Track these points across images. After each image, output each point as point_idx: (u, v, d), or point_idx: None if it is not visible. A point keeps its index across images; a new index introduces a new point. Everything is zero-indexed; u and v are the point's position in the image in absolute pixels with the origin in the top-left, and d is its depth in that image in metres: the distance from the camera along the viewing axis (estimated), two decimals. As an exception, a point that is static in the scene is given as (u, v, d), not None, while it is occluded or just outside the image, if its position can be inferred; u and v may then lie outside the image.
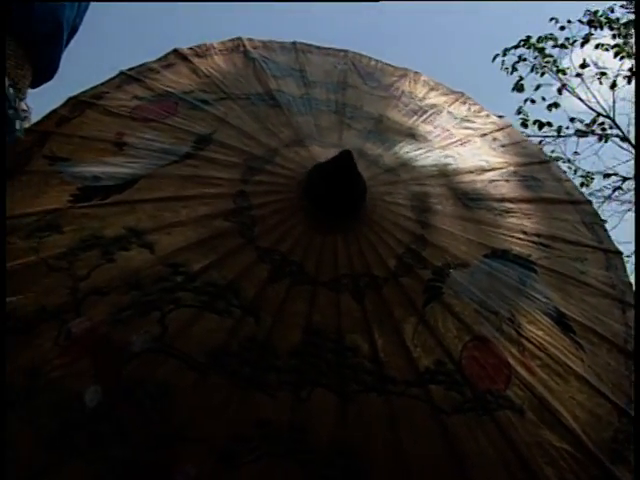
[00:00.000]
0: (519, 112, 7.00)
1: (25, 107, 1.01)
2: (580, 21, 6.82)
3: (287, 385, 0.69)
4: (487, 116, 1.07)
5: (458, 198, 0.86)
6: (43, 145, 0.93)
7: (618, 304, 0.89)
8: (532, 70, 6.96)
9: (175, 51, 1.08)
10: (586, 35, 6.86)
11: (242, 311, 0.71)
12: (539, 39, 6.71)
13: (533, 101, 6.99)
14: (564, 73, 7.04)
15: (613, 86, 7.11)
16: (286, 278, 0.72)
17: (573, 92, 7.11)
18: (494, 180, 0.93)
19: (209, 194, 0.79)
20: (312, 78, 1.00)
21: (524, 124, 7.02)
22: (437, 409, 0.71)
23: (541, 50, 6.83)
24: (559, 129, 7.06)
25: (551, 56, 6.87)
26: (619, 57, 6.38)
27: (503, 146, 1.01)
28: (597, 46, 6.96)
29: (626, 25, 6.70)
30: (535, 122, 7.05)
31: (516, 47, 6.66)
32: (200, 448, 0.67)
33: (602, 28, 6.82)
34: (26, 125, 1.00)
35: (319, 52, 1.12)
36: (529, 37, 6.72)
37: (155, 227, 0.77)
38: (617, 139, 7.14)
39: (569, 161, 7.50)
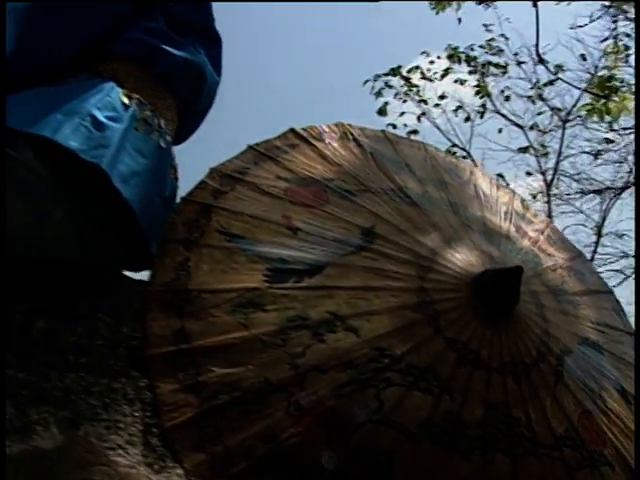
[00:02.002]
0: (382, 134, 7.51)
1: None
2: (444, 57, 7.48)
3: (477, 450, 0.91)
4: (535, 215, 1.35)
5: (551, 293, 1.12)
6: (210, 218, 1.05)
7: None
8: (395, 96, 7.54)
9: (292, 131, 1.23)
10: (446, 69, 7.56)
11: (440, 390, 0.91)
12: (409, 70, 7.29)
13: (394, 126, 7.57)
14: (425, 103, 7.69)
15: (467, 119, 7.89)
16: (469, 364, 0.94)
17: (433, 121, 7.76)
18: (563, 276, 1.20)
19: (394, 287, 0.97)
20: (418, 174, 1.21)
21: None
22: (569, 467, 0.96)
23: (407, 79, 7.41)
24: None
25: (416, 86, 7.48)
26: (479, 95, 7.12)
27: (555, 243, 1.29)
28: (456, 81, 7.69)
29: (484, 65, 7.47)
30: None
31: (386, 74, 7.19)
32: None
33: (461, 63, 7.55)
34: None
35: (404, 143, 1.33)
36: (399, 66, 7.28)
37: (354, 313, 0.95)
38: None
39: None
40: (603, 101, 4.40)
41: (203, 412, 0.87)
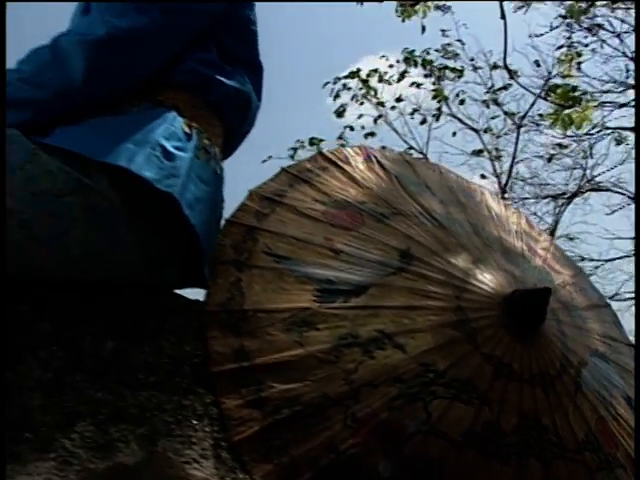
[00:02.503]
0: (340, 137, 7.66)
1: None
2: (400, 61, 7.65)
3: (514, 456, 1.00)
4: (540, 233, 1.46)
5: (565, 309, 1.22)
6: (256, 240, 1.12)
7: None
8: (352, 99, 7.68)
9: (321, 154, 1.30)
10: (402, 72, 7.73)
11: (479, 402, 1.00)
12: (368, 73, 7.44)
13: (352, 128, 7.70)
14: (383, 105, 7.84)
15: (423, 122, 8.07)
16: (503, 377, 1.03)
17: (390, 124, 7.92)
18: (571, 292, 1.31)
19: (433, 306, 1.06)
20: (439, 195, 1.30)
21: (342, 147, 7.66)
22: (590, 469, 1.07)
23: (365, 82, 7.55)
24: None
25: (375, 89, 7.63)
26: (437, 99, 7.30)
27: (559, 260, 1.40)
28: (412, 84, 7.86)
29: (440, 69, 7.66)
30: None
31: (346, 77, 7.31)
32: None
33: (417, 66, 7.73)
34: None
35: (421, 165, 1.42)
36: (359, 69, 7.41)
37: (400, 331, 1.03)
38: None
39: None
40: (567, 111, 4.61)
41: (268, 426, 0.94)
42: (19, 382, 0.87)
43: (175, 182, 0.92)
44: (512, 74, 5.11)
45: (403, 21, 5.00)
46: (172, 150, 0.94)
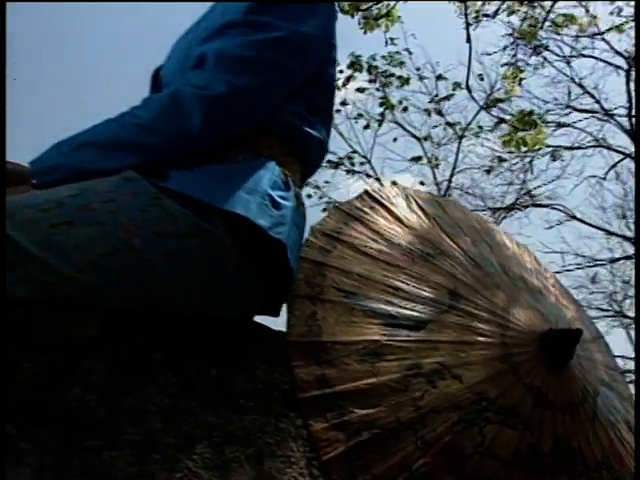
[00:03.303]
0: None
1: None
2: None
3: (550, 474, 1.18)
4: (546, 270, 1.65)
5: (580, 343, 1.42)
6: (324, 276, 1.25)
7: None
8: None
9: (367, 193, 1.45)
10: (348, 76, 7.94)
11: (523, 426, 1.18)
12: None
13: None
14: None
15: (366, 127, 8.30)
16: (541, 405, 1.21)
17: (335, 127, 8.13)
18: (579, 325, 1.51)
19: (482, 342, 1.22)
20: (470, 235, 1.47)
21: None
22: (605, 485, 1.27)
23: None
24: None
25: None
26: (384, 107, 7.54)
27: (564, 296, 1.60)
28: (358, 89, 8.08)
29: (386, 76, 7.90)
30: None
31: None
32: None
33: (362, 71, 7.95)
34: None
35: (449, 205, 1.58)
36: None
37: (457, 364, 1.19)
38: (365, 177, 8.33)
39: (317, 187, 8.53)
40: (521, 133, 4.92)
41: (351, 447, 1.08)
42: (144, 407, 0.98)
43: (283, 230, 1.05)
44: (470, 92, 5.40)
45: (365, 33, 5.19)
46: (278, 199, 1.06)
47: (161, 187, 1.01)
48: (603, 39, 7.45)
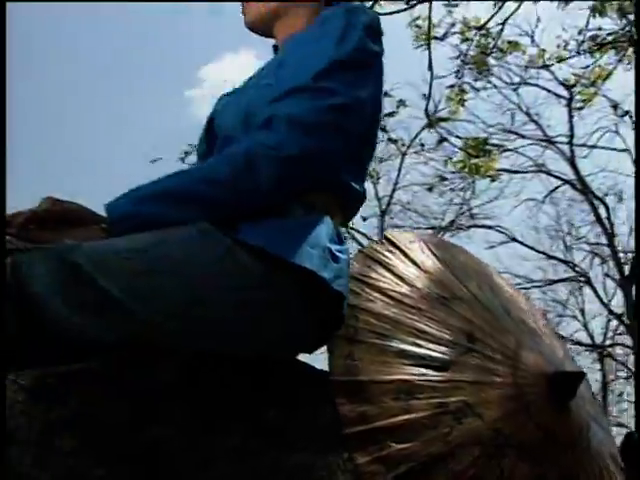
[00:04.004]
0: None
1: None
2: None
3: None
4: (535, 308, 1.82)
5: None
6: (357, 318, 1.37)
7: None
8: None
9: (386, 238, 1.58)
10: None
11: (534, 461, 1.34)
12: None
13: None
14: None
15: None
16: (549, 441, 1.37)
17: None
18: (569, 363, 1.69)
19: (498, 382, 1.37)
20: (475, 279, 1.62)
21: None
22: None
23: None
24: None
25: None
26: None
27: (551, 334, 1.78)
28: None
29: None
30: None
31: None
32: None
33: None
34: None
35: (454, 249, 1.73)
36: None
37: (478, 402, 1.33)
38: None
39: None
40: (475, 160, 5.18)
41: (391, 478, 1.21)
42: (215, 447, 1.08)
43: (342, 282, 1.17)
44: (430, 119, 5.61)
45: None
46: (336, 253, 1.18)
47: (234, 239, 1.12)
48: (547, 68, 7.85)
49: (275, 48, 1.48)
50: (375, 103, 1.30)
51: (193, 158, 7.60)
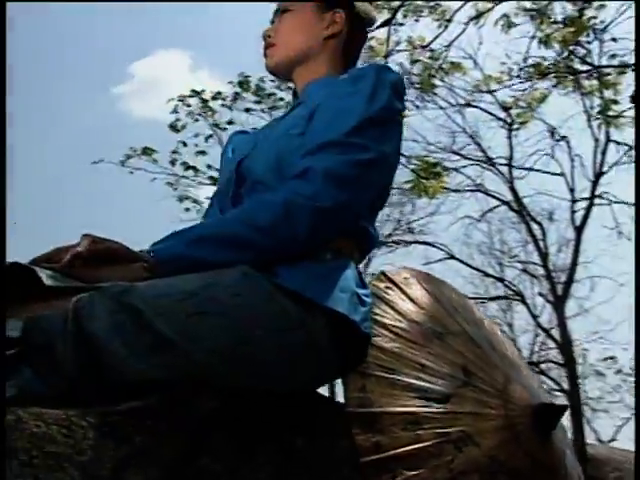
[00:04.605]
0: (174, 152, 7.97)
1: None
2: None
3: (541, 524, 1.50)
4: (508, 340, 1.99)
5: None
6: (368, 354, 1.49)
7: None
8: (188, 115, 8.04)
9: (384, 274, 1.71)
10: (234, 95, 8.22)
11: (523, 485, 1.49)
12: (213, 97, 7.87)
13: (185, 144, 8.06)
14: (217, 126, 8.27)
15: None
16: (537, 467, 1.52)
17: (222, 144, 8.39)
18: (542, 392, 1.85)
19: (492, 414, 1.52)
20: (462, 314, 1.77)
21: (172, 162, 8.03)
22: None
23: (205, 102, 7.95)
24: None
25: (214, 110, 8.04)
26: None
27: (524, 363, 1.94)
28: (246, 109, 8.36)
29: (270, 95, 8.27)
30: (183, 163, 8.17)
31: (190, 96, 7.68)
32: None
33: (249, 92, 8.25)
34: None
35: (441, 284, 1.87)
36: (202, 90, 7.80)
37: (475, 432, 1.47)
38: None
39: (196, 202, 8.71)
40: (424, 181, 5.39)
41: (403, 504, 1.34)
42: (256, 475, 1.18)
43: (369, 325, 1.29)
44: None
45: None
46: (363, 297, 1.30)
47: (273, 283, 1.22)
48: (490, 92, 8.19)
49: (294, 92, 1.59)
50: (396, 156, 1.43)
51: (135, 161, 7.65)
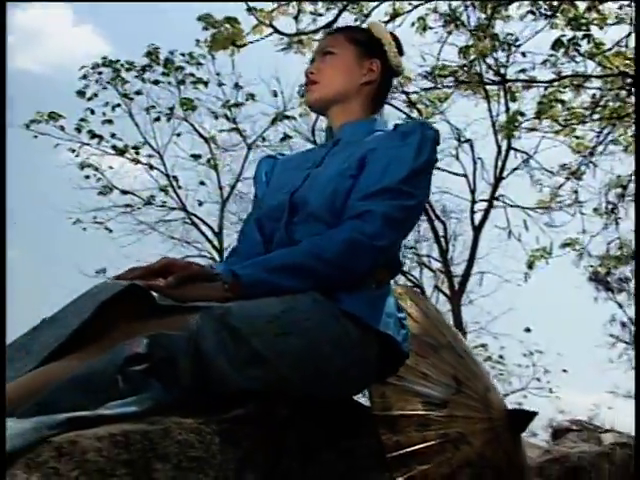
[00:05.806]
0: (82, 119, 7.86)
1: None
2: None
3: (512, 509, 1.83)
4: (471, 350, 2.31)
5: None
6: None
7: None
8: (96, 82, 8.00)
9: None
10: (143, 66, 8.19)
11: (502, 476, 1.81)
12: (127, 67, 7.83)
13: (93, 112, 8.00)
14: (127, 96, 8.22)
15: (156, 120, 8.58)
16: (511, 465, 1.85)
17: (132, 117, 8.33)
18: (499, 396, 2.19)
19: (479, 417, 1.82)
20: (443, 329, 2.06)
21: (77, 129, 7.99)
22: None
23: (117, 71, 7.90)
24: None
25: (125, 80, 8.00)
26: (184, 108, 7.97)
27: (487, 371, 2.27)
28: (154, 82, 8.36)
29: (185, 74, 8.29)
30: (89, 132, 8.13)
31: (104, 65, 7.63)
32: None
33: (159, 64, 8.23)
34: None
35: (424, 300, 2.16)
36: (118, 61, 7.73)
37: (469, 433, 1.77)
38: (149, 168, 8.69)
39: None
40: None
41: (418, 494, 1.62)
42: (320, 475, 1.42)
43: (408, 345, 1.56)
44: (314, 133, 5.98)
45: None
46: (403, 321, 1.57)
47: (339, 308, 1.46)
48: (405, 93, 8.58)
49: (329, 128, 1.81)
50: (427, 199, 1.69)
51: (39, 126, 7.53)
